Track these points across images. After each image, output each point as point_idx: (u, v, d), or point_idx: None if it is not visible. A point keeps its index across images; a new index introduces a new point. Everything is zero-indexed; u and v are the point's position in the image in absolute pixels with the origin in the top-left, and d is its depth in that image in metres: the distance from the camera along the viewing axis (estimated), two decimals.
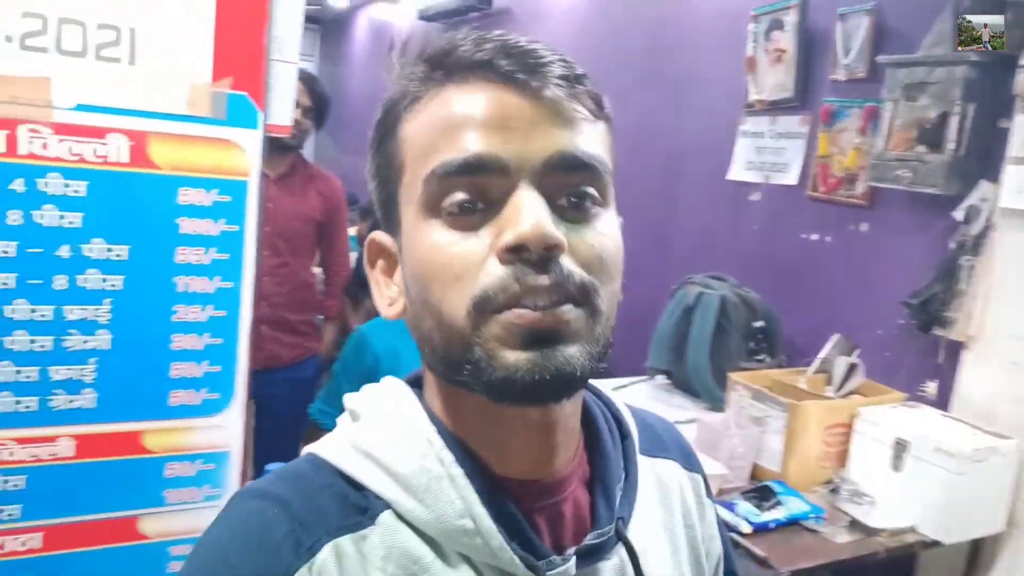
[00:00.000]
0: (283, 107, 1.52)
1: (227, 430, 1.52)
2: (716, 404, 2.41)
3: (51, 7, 1.28)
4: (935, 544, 1.84)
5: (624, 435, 0.70)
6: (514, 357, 0.54)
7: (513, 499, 0.60)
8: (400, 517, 0.58)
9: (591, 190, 0.58)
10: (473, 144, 0.55)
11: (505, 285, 0.53)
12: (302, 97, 2.65)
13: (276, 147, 2.55)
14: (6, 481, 1.36)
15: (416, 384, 0.66)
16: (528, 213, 0.54)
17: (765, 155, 2.79)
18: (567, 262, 0.55)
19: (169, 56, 1.37)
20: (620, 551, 0.64)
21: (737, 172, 2.91)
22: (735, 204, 2.94)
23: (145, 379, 1.44)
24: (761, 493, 1.88)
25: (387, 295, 0.65)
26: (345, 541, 0.57)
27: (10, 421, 1.34)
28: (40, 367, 1.35)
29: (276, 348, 2.67)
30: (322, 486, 0.60)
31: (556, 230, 0.54)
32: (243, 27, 1.42)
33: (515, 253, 0.53)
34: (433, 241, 0.56)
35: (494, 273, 0.54)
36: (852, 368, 2.19)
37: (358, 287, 3.14)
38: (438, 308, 0.56)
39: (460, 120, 0.56)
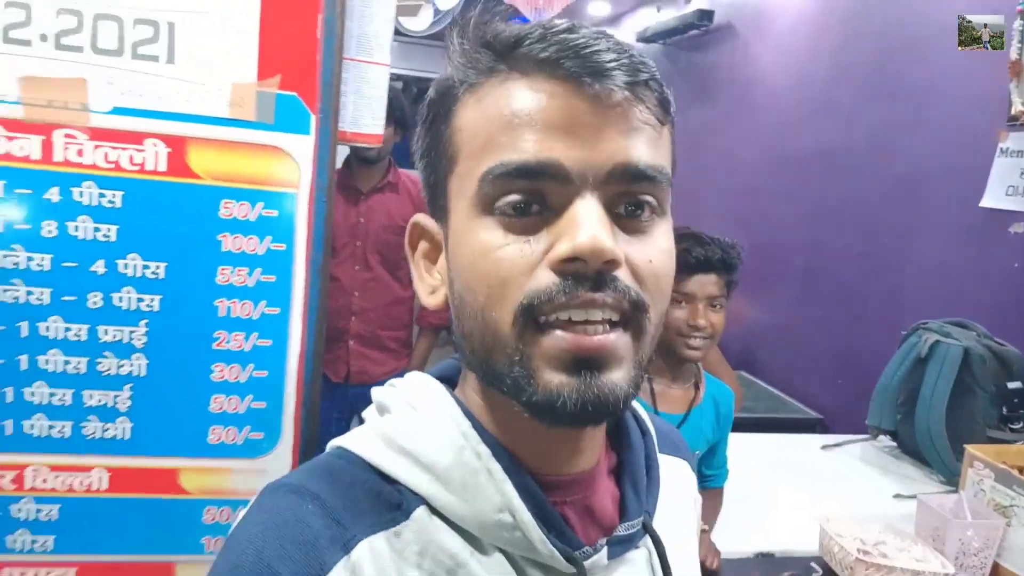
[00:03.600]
0: (369, 114, 1.38)
1: (272, 476, 1.34)
2: (952, 479, 2.07)
3: (87, 2, 1.21)
4: None
5: (643, 431, 0.71)
6: (557, 381, 0.53)
7: (546, 493, 0.60)
8: (434, 512, 0.58)
9: (651, 199, 0.56)
10: (535, 147, 0.54)
11: (552, 295, 0.52)
12: None
13: (359, 160, 2.57)
14: (39, 510, 1.29)
15: (443, 379, 0.66)
16: (587, 225, 0.52)
17: None
18: (623, 276, 0.54)
19: (210, 53, 1.26)
20: (647, 542, 0.66)
21: (994, 199, 2.42)
22: (989, 237, 2.46)
23: (182, 411, 1.32)
24: None
25: (429, 283, 0.64)
26: (380, 538, 0.56)
27: (43, 446, 1.28)
28: (74, 390, 1.28)
29: (366, 364, 2.65)
30: (355, 481, 0.59)
31: (614, 244, 0.53)
32: (292, 20, 1.28)
33: (569, 265, 0.52)
34: (483, 241, 0.55)
35: (543, 281, 0.53)
36: None
37: None
38: (482, 312, 0.55)
39: (523, 119, 0.54)
